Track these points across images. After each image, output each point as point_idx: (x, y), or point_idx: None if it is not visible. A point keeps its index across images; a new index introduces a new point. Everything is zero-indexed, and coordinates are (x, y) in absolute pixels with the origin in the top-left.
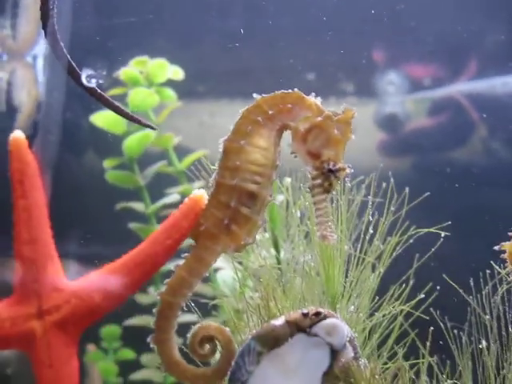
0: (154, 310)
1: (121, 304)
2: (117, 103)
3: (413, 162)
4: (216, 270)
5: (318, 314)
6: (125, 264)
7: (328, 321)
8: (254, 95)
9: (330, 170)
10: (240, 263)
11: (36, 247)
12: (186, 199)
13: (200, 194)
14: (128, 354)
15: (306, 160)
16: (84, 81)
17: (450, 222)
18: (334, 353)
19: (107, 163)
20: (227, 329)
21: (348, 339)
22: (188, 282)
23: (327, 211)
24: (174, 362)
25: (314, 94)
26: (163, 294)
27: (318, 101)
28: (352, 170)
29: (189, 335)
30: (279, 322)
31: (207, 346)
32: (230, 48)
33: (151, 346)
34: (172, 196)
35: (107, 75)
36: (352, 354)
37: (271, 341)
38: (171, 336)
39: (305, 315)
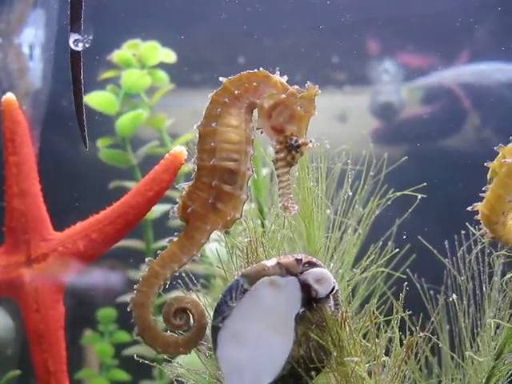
0: (140, 274)
1: (104, 253)
2: (83, 101)
3: (406, 150)
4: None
5: (311, 263)
6: (108, 214)
7: (318, 269)
8: (221, 78)
9: (293, 145)
10: (227, 232)
11: (25, 200)
12: (167, 155)
13: (179, 149)
14: (123, 336)
15: (271, 135)
16: (71, 45)
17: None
18: (315, 300)
19: (101, 143)
20: (201, 303)
21: (333, 292)
22: (178, 257)
23: (289, 184)
24: (148, 326)
25: (278, 71)
26: (153, 263)
27: (284, 79)
28: (315, 145)
29: (164, 306)
30: (271, 262)
31: (180, 318)
32: (229, 37)
33: (128, 308)
34: None
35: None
36: (333, 308)
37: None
38: (150, 302)
39: (298, 261)
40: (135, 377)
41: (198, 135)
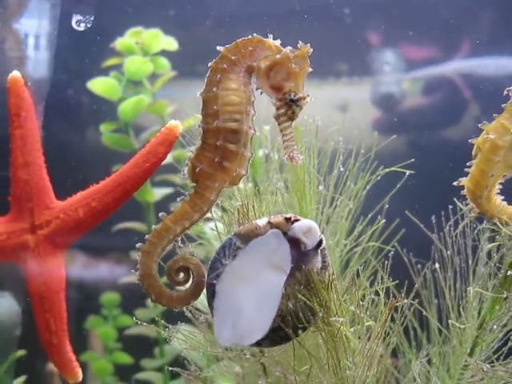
0: (153, 227)
1: (103, 220)
2: None
3: (407, 140)
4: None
5: (298, 220)
6: (108, 184)
7: (304, 221)
8: (218, 47)
9: (292, 100)
10: (224, 210)
11: (30, 170)
12: (163, 128)
13: (175, 123)
14: (127, 320)
15: (270, 93)
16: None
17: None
18: (304, 254)
19: (104, 127)
20: (202, 266)
21: (321, 247)
22: (190, 214)
23: (292, 136)
24: (149, 273)
25: (271, 35)
26: (166, 218)
27: (277, 42)
28: (312, 99)
29: (169, 261)
30: (262, 222)
31: (182, 275)
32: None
33: (137, 255)
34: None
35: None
36: (320, 264)
37: (252, 239)
38: (157, 253)
39: (287, 219)
40: (137, 357)
41: (201, 101)
